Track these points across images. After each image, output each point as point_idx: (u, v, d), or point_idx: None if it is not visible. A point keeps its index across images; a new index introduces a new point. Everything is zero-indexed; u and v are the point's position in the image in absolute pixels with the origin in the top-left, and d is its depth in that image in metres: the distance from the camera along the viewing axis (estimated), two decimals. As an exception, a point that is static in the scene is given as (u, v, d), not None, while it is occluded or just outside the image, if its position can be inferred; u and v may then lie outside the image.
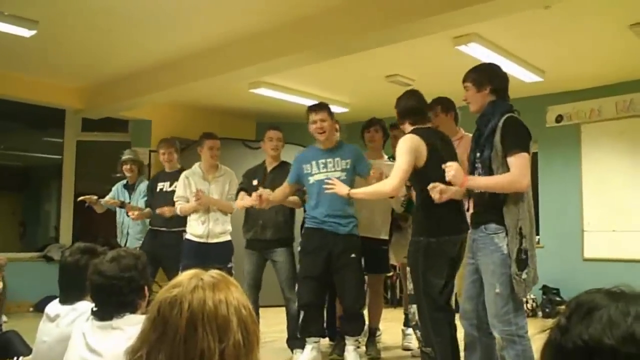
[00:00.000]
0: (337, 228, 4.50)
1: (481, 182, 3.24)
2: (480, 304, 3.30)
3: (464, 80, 3.43)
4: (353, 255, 4.51)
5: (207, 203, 5.14)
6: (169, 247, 5.49)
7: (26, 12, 5.25)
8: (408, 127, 3.83)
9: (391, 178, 3.64)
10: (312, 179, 4.57)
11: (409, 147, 3.59)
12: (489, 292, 3.20)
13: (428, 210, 3.51)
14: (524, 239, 3.09)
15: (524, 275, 3.08)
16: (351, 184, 4.42)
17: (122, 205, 6.05)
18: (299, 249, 4.75)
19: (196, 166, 5.43)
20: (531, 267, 3.11)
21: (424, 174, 3.56)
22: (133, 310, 2.20)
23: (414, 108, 3.88)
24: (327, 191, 4.23)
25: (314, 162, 4.59)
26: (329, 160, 4.57)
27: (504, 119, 3.18)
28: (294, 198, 4.86)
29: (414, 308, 3.81)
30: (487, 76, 3.35)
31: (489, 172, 3.20)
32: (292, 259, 4.99)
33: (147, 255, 6.16)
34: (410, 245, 3.78)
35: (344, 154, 4.61)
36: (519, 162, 3.09)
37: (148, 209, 5.86)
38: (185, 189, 5.34)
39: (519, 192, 3.12)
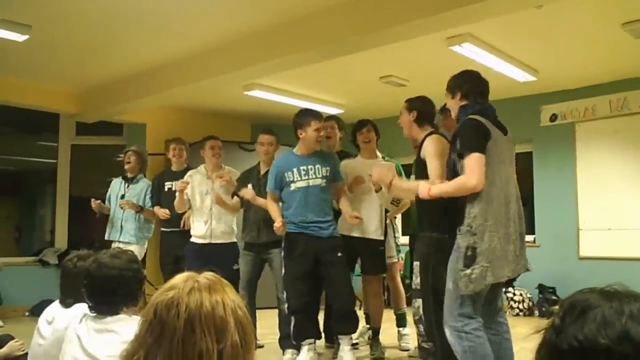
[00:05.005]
0: (319, 232, 4.56)
1: (438, 189, 3.37)
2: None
3: (446, 89, 3.59)
4: (339, 254, 4.54)
5: (219, 202, 5.25)
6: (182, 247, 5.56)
7: (19, 16, 5.24)
8: (428, 128, 4.01)
9: (432, 183, 3.62)
10: (294, 186, 4.60)
11: (442, 149, 3.74)
12: (446, 287, 3.33)
13: (442, 207, 3.52)
14: (473, 236, 3.15)
15: (467, 271, 3.13)
16: (330, 191, 4.68)
17: (141, 209, 6.09)
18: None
19: (201, 166, 5.56)
20: (480, 265, 3.13)
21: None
22: (135, 304, 2.29)
23: (434, 114, 4.13)
24: (374, 178, 4.00)
25: (295, 170, 4.61)
26: (309, 166, 4.60)
27: (460, 124, 3.31)
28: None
29: (418, 302, 3.84)
30: (457, 83, 3.50)
31: (453, 174, 3.31)
32: None
33: (169, 256, 6.24)
34: (421, 240, 3.87)
35: (323, 161, 4.65)
36: (467, 164, 3.18)
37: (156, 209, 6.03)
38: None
39: (474, 192, 3.18)
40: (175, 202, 5.39)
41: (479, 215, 3.17)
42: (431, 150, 3.76)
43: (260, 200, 4.93)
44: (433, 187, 3.37)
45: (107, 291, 2.22)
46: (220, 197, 5.23)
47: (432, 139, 3.84)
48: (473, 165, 3.15)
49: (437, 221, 3.70)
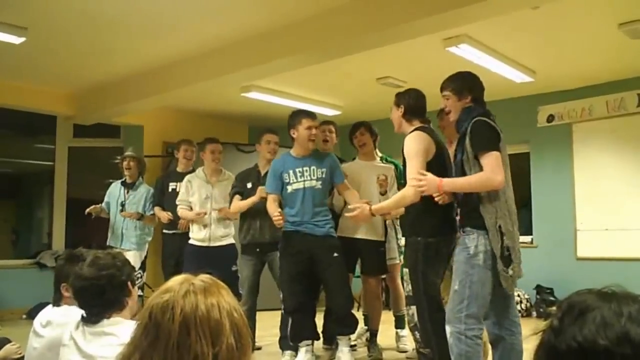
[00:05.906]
0: (314, 229, 4.54)
1: (457, 183, 3.33)
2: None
3: (443, 89, 3.51)
4: (336, 255, 4.52)
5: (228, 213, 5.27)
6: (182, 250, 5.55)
7: (15, 19, 5.23)
8: (417, 123, 3.87)
9: (410, 185, 3.55)
10: (290, 188, 4.60)
11: (423, 147, 3.63)
12: (452, 288, 3.31)
13: (426, 209, 3.50)
14: (504, 237, 3.17)
15: (509, 272, 3.18)
16: (327, 193, 4.69)
17: (141, 217, 6.07)
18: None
19: (199, 170, 5.55)
20: (515, 263, 3.21)
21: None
22: (121, 308, 2.22)
23: (424, 108, 3.96)
24: (351, 214, 4.02)
25: (291, 171, 4.62)
26: (305, 168, 4.61)
27: (471, 123, 3.28)
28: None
29: (412, 309, 3.82)
30: (467, 85, 3.45)
31: (462, 174, 3.29)
32: None
33: (171, 258, 6.19)
34: (408, 245, 3.81)
35: (319, 163, 4.64)
36: (488, 161, 3.17)
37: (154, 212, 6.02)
38: (186, 192, 5.44)
39: (494, 190, 3.18)
40: (188, 218, 5.43)
41: (504, 216, 3.20)
42: (408, 150, 3.66)
43: (248, 200, 5.02)
44: (445, 181, 3.32)
45: (84, 303, 2.20)
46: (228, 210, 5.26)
47: (410, 137, 3.71)
48: (494, 164, 3.16)
49: (419, 224, 3.68)
